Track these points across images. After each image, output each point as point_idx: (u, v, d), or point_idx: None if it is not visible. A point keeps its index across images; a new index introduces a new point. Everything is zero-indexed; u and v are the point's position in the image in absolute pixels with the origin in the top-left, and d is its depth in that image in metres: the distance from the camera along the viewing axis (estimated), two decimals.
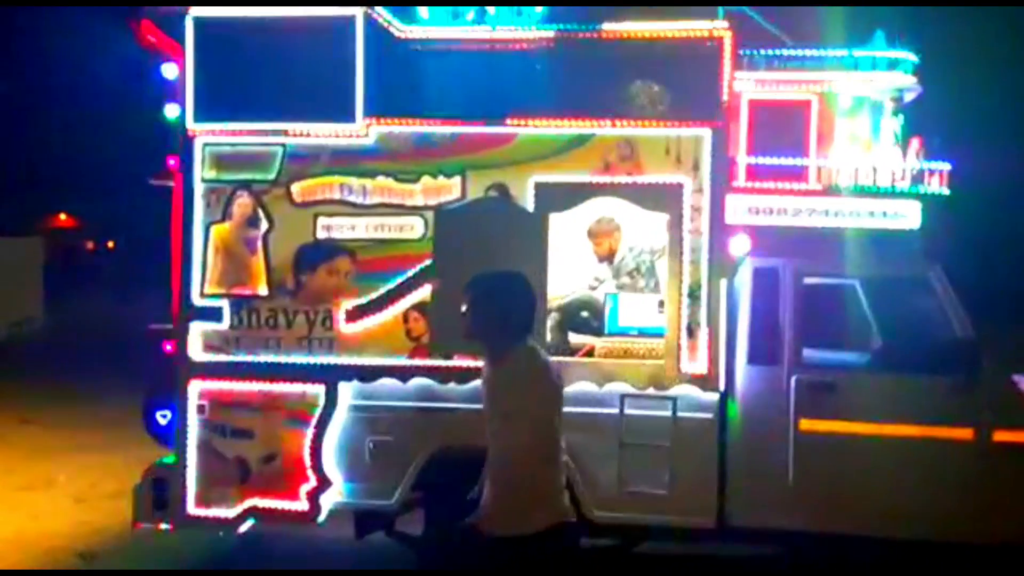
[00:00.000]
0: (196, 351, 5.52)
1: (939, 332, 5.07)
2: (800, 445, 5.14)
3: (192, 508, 5.51)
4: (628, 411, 5.20)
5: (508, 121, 5.31)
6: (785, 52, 5.36)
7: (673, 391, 5.17)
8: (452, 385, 5.34)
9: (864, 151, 5.39)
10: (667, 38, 5.17)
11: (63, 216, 40.58)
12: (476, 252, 5.28)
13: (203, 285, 5.51)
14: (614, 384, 5.24)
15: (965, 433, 5.00)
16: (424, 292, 5.36)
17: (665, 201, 5.22)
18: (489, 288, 3.56)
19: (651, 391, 5.20)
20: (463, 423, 5.33)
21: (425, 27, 5.39)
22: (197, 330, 5.51)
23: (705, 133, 5.17)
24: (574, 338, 6.03)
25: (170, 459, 5.62)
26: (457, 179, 5.37)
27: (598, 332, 5.98)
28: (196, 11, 5.49)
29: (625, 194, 5.28)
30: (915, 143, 5.32)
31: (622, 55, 5.22)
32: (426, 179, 5.39)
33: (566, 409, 5.20)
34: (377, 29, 5.37)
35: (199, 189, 5.52)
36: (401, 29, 5.38)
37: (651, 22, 5.16)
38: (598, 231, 6.22)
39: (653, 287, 6.11)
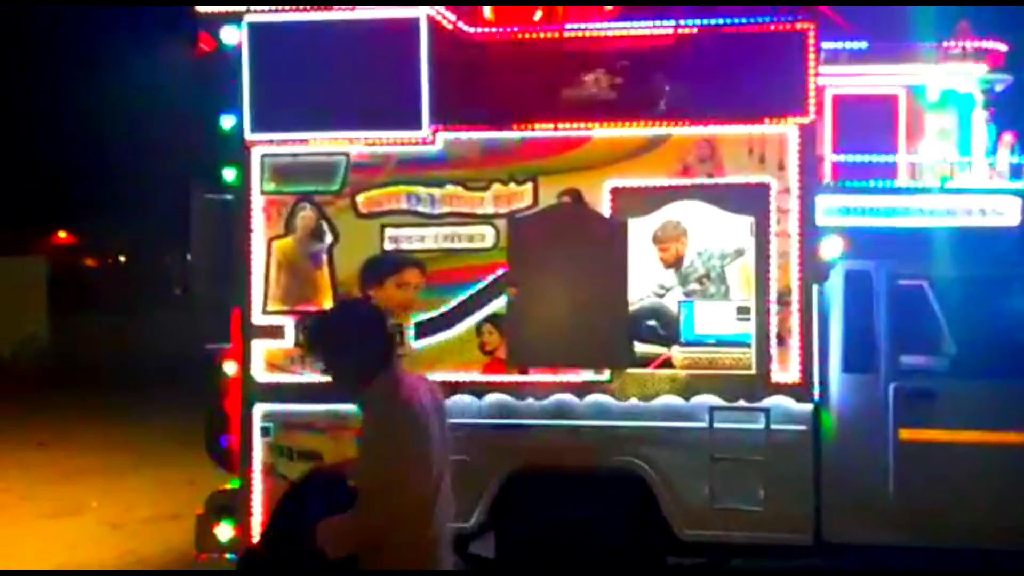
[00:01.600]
0: (259, 371, 5.41)
1: None
2: (900, 456, 5.02)
3: (259, 535, 5.39)
4: (718, 424, 5.09)
5: (581, 123, 5.22)
6: (869, 45, 5.24)
7: (765, 402, 5.06)
8: (530, 401, 5.23)
9: (954, 146, 5.27)
10: (748, 33, 5.07)
11: (62, 234, 40.57)
12: (553, 261, 5.22)
13: (265, 302, 5.41)
14: (701, 396, 5.13)
15: None
16: (497, 304, 5.25)
17: (750, 203, 5.12)
18: (330, 324, 3.32)
19: (741, 403, 5.09)
20: (543, 440, 5.24)
21: (491, 29, 5.31)
22: (259, 349, 5.41)
23: (791, 130, 5.07)
24: (641, 348, 5.91)
25: (233, 484, 5.51)
26: (529, 185, 5.27)
27: (669, 341, 5.86)
28: (252, 16, 5.41)
29: (706, 197, 5.17)
30: (1008, 137, 5.21)
31: (700, 51, 5.13)
32: (496, 186, 5.29)
33: (650, 424, 5.09)
34: (442, 31, 5.28)
35: (258, 202, 5.43)
36: (467, 31, 5.29)
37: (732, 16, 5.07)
38: (664, 236, 6.08)
39: (724, 293, 5.96)
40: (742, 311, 5.43)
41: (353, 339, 3.18)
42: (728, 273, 5.97)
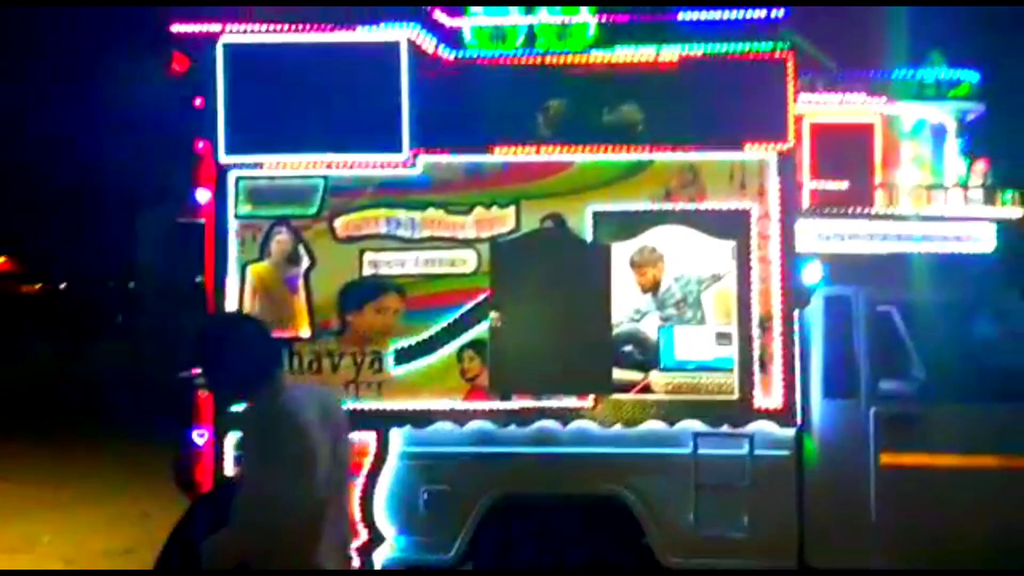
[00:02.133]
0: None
1: (1020, 359, 5.07)
2: (881, 480, 5.08)
3: None
4: (702, 450, 5.10)
5: (563, 148, 5.24)
6: (845, 74, 5.36)
7: (748, 428, 5.09)
8: (512, 428, 5.20)
9: (928, 174, 5.40)
10: (728, 61, 5.15)
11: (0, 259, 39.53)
12: (536, 286, 5.21)
13: None
14: (685, 422, 5.14)
15: None
16: (479, 330, 5.22)
17: (731, 228, 5.18)
18: (208, 337, 3.28)
19: (725, 428, 5.11)
20: (526, 468, 5.20)
21: (472, 52, 5.31)
22: None
23: (771, 157, 5.15)
24: (622, 374, 5.92)
25: None
26: (511, 209, 5.26)
27: (647, 367, 5.88)
28: (227, 37, 5.34)
29: (689, 222, 5.22)
30: (980, 164, 5.35)
31: (681, 78, 5.19)
32: (478, 210, 5.27)
33: (634, 450, 5.13)
34: (422, 54, 5.27)
35: (233, 226, 5.34)
36: (447, 54, 5.29)
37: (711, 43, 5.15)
38: (642, 261, 6.12)
39: (700, 319, 6.00)
40: (723, 336, 5.48)
41: (232, 352, 3.15)
42: (709, 298, 6.04)
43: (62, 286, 42.09)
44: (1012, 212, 5.18)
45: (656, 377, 5.62)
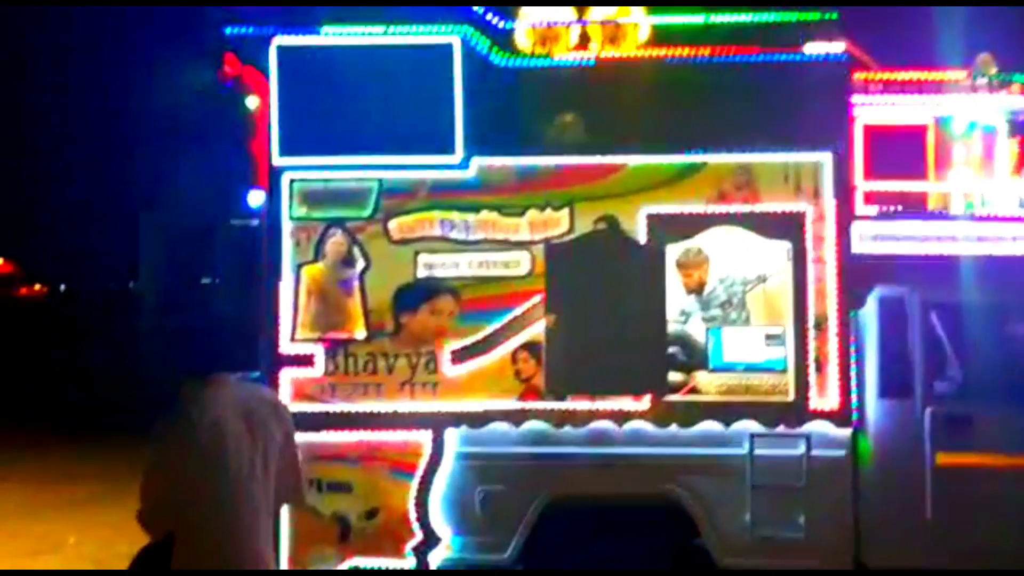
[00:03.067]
0: (287, 400, 5.33)
1: None
2: (937, 480, 5.14)
3: None
4: (758, 451, 5.16)
5: (617, 150, 5.29)
6: (900, 76, 5.42)
7: (805, 428, 5.15)
8: (568, 428, 5.26)
9: (979, 175, 5.46)
10: (785, 63, 5.21)
11: None
12: (591, 287, 5.27)
13: (294, 330, 5.36)
14: (741, 423, 5.20)
15: None
16: (533, 331, 5.28)
17: (787, 230, 5.24)
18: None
19: (781, 429, 5.17)
20: (581, 469, 5.26)
21: (525, 54, 5.37)
22: (288, 378, 5.36)
23: (826, 158, 5.21)
24: (675, 375, 5.94)
25: None
26: (565, 212, 5.32)
27: (691, 368, 5.93)
28: (281, 39, 5.41)
29: (743, 224, 5.28)
30: None
31: (737, 80, 5.25)
32: (532, 212, 5.33)
33: (690, 451, 5.21)
34: (476, 56, 5.33)
35: (287, 228, 5.40)
36: (500, 56, 5.35)
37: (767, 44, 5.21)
38: (687, 262, 6.17)
39: (745, 320, 6.07)
40: (772, 338, 5.54)
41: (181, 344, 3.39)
42: (759, 299, 6.11)
43: (62, 288, 42.17)
44: None
45: (705, 378, 5.69)
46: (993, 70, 5.47)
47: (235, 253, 5.64)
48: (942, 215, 5.33)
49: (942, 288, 5.27)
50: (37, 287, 42.04)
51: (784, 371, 5.42)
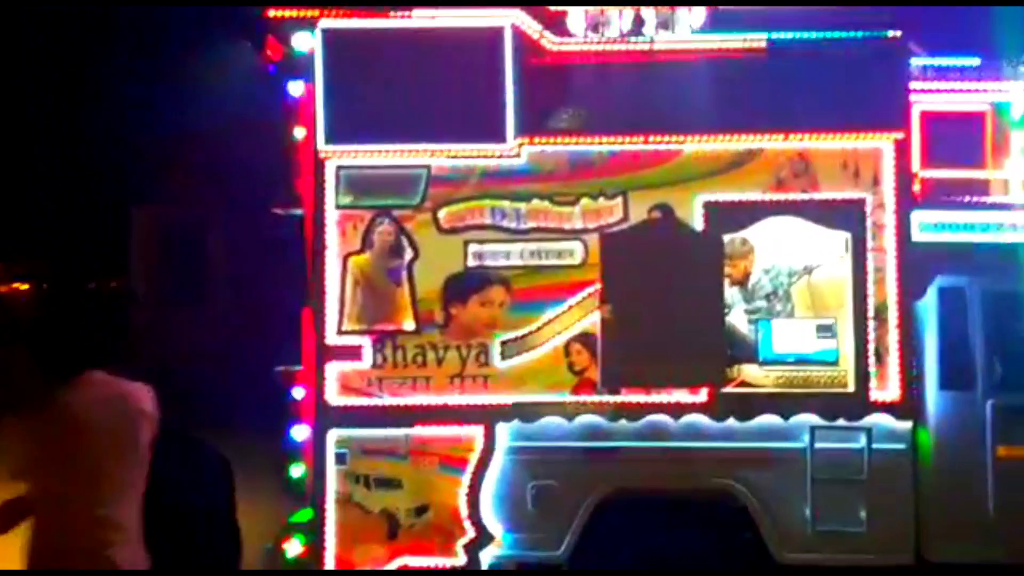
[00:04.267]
0: (333, 395, 5.23)
1: None
2: (999, 473, 5.07)
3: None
4: (818, 444, 5.08)
5: (672, 137, 5.20)
6: (958, 62, 5.35)
7: (865, 421, 5.07)
8: (623, 422, 5.16)
9: None
10: (843, 47, 5.13)
11: None
12: (646, 277, 5.17)
13: (340, 322, 5.24)
14: (800, 416, 5.12)
15: None
16: (586, 323, 5.18)
17: (846, 219, 5.16)
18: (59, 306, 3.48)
19: (841, 422, 5.09)
20: (636, 464, 5.16)
21: (577, 40, 5.26)
22: (334, 371, 5.23)
23: (886, 145, 5.13)
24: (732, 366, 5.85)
25: (304, 515, 5.30)
26: (618, 200, 5.22)
27: (740, 360, 5.83)
28: (326, 22, 5.27)
29: (802, 212, 5.19)
30: None
31: (794, 64, 5.15)
32: (585, 201, 5.23)
33: (748, 444, 5.11)
34: (527, 41, 5.22)
35: (333, 217, 5.27)
36: (552, 41, 5.24)
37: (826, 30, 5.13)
38: (733, 253, 6.09)
39: (789, 311, 5.97)
40: (824, 329, 5.46)
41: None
42: (794, 291, 6.02)
43: (44, 285, 41.62)
44: None
45: (754, 371, 5.60)
46: None
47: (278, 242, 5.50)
48: (1002, 204, 5.26)
49: (1002, 277, 5.20)
50: (24, 285, 41.49)
51: (835, 363, 5.36)
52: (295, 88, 5.35)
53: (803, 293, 6.02)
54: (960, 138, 5.38)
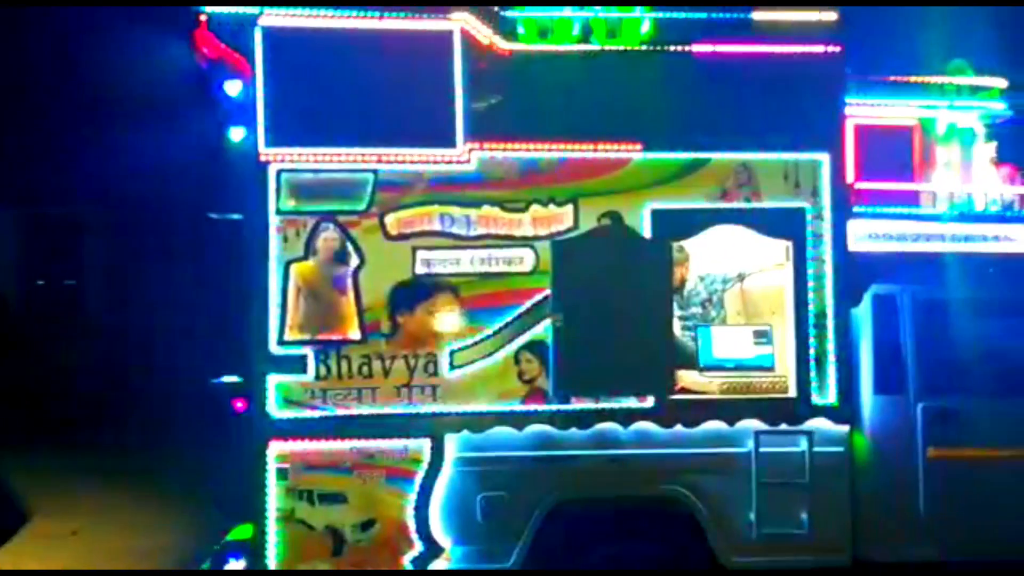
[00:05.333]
0: (275, 407, 5.04)
1: None
2: (929, 474, 5.30)
3: None
4: (763, 449, 5.19)
5: (620, 145, 5.23)
6: (888, 79, 5.58)
7: (807, 425, 5.22)
8: (573, 430, 5.15)
9: (959, 176, 5.67)
10: (783, 62, 5.27)
11: None
12: (597, 285, 5.18)
13: (282, 331, 5.05)
14: (745, 421, 5.22)
15: None
16: (536, 330, 5.15)
17: (787, 227, 5.30)
18: None
19: (784, 427, 5.22)
20: (586, 473, 5.17)
21: (528, 44, 5.23)
22: (275, 383, 5.04)
23: (824, 158, 5.30)
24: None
25: (244, 532, 5.09)
26: (569, 207, 5.22)
27: (681, 366, 5.89)
28: (267, 19, 5.08)
29: (745, 220, 5.30)
30: (1004, 170, 5.67)
31: (735, 77, 5.27)
32: (535, 207, 5.20)
33: (695, 451, 5.18)
34: (476, 45, 5.16)
35: (274, 222, 5.08)
36: (502, 48, 5.19)
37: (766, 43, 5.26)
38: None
39: (723, 319, 6.15)
40: (765, 335, 5.63)
41: None
42: (727, 298, 6.19)
43: None
44: None
45: (695, 377, 5.69)
46: (968, 75, 5.69)
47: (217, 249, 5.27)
48: (929, 215, 5.50)
49: (931, 286, 5.45)
50: None
51: (773, 368, 5.52)
52: (232, 88, 5.14)
53: (739, 300, 6.22)
54: (891, 152, 5.61)
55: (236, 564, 5.01)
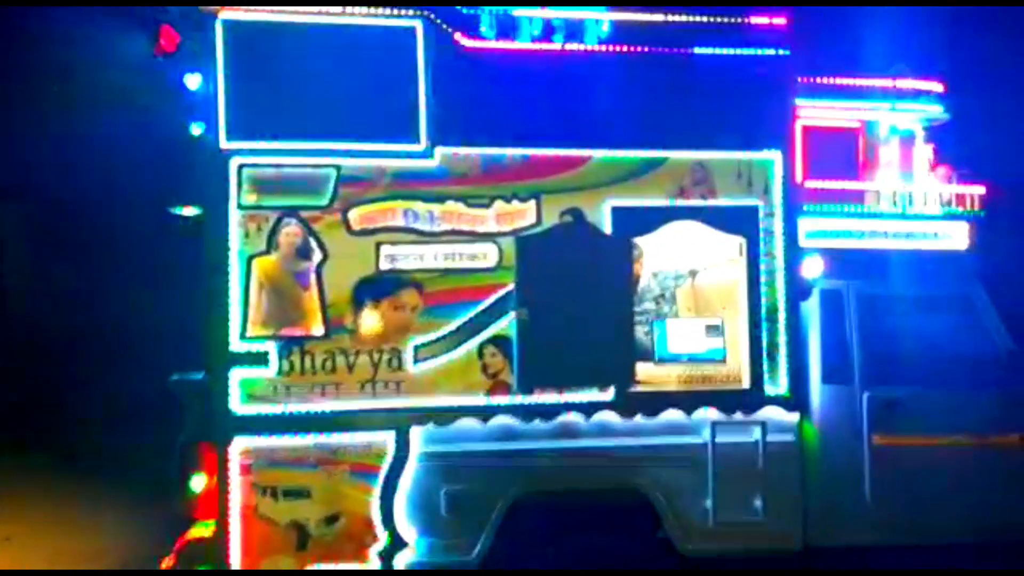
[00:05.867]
0: (237, 403, 5.01)
1: (983, 346, 5.68)
2: (875, 460, 5.54)
3: None
4: (719, 439, 5.36)
5: (581, 143, 5.33)
6: (835, 81, 5.80)
7: (760, 415, 5.40)
8: (536, 423, 5.24)
9: (900, 176, 5.92)
10: (736, 63, 5.44)
11: None
12: (561, 280, 5.28)
13: (244, 327, 5.02)
14: (702, 412, 5.38)
15: (1012, 440, 5.63)
16: (500, 325, 5.22)
17: (741, 224, 5.48)
18: None
19: (739, 416, 5.39)
20: (548, 465, 5.26)
21: (491, 41, 5.29)
22: (237, 379, 5.01)
23: (776, 157, 5.49)
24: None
25: (204, 529, 5.04)
26: (532, 203, 5.30)
27: (639, 359, 6.01)
28: (227, 13, 5.04)
29: (701, 217, 5.46)
30: (941, 170, 5.94)
31: (691, 78, 5.42)
32: (499, 203, 5.28)
33: (653, 441, 5.33)
34: (440, 41, 5.21)
35: (235, 217, 5.05)
36: (465, 42, 5.25)
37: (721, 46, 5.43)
38: None
39: (675, 314, 6.31)
40: (716, 328, 5.80)
41: None
42: (679, 294, 6.36)
43: None
44: (976, 212, 5.78)
45: (650, 369, 5.82)
46: (907, 80, 5.96)
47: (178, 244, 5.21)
48: (873, 213, 5.73)
49: (875, 281, 5.69)
50: None
51: (724, 360, 5.69)
52: (192, 81, 5.08)
53: (690, 295, 6.39)
54: (837, 152, 5.83)
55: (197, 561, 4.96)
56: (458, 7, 5.25)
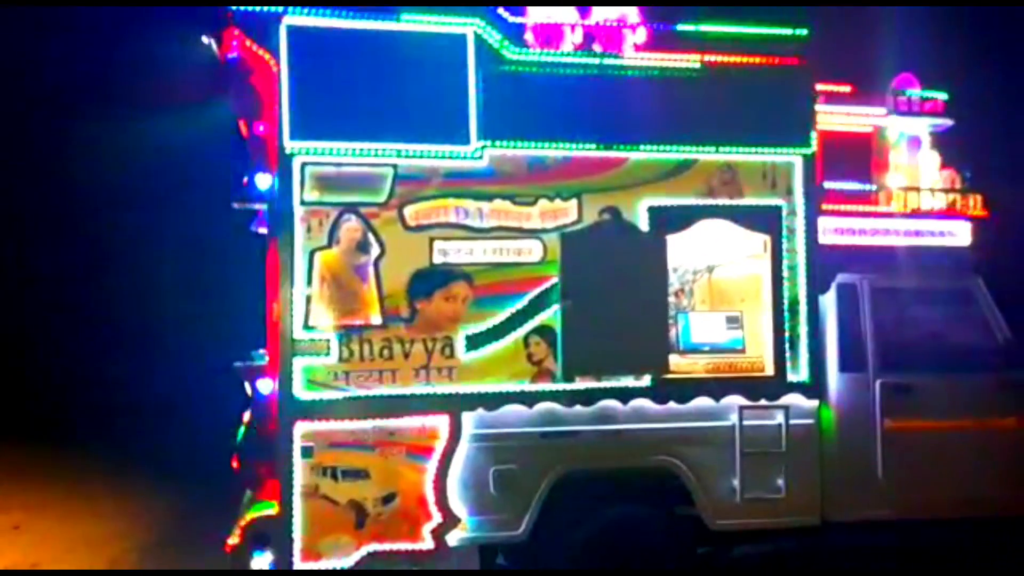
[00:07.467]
0: (300, 389, 5.31)
1: (983, 336, 6.17)
2: (886, 443, 5.99)
3: (300, 562, 5.29)
4: (745, 422, 5.77)
5: (619, 145, 5.70)
6: (850, 89, 6.23)
7: (783, 400, 5.82)
8: (577, 408, 5.61)
9: (907, 179, 6.38)
10: (763, 70, 5.84)
11: None
12: (600, 274, 5.65)
13: (307, 317, 5.33)
14: (730, 398, 5.79)
15: (1009, 423, 6.12)
16: (544, 316, 5.58)
17: (765, 223, 5.89)
18: None
19: (764, 402, 5.81)
20: (586, 446, 5.63)
21: (534, 50, 5.63)
22: (300, 366, 5.32)
23: (797, 159, 5.91)
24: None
25: (266, 508, 5.34)
26: (573, 202, 5.67)
27: (685, 349, 6.33)
28: (291, 19, 5.34)
29: (730, 216, 5.86)
30: (946, 174, 6.41)
31: (720, 83, 5.81)
32: (543, 202, 5.63)
33: (684, 424, 5.69)
34: (488, 49, 5.55)
35: (299, 213, 5.35)
36: (511, 50, 5.59)
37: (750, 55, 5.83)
38: None
39: (694, 307, 6.74)
40: (731, 320, 6.25)
41: None
42: (696, 289, 6.80)
43: None
44: (980, 212, 6.26)
45: (681, 359, 6.20)
46: (915, 88, 6.41)
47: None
48: (885, 212, 6.18)
49: (886, 275, 6.14)
50: None
51: (743, 350, 6.12)
52: (257, 83, 5.36)
53: (710, 289, 6.83)
54: (852, 155, 6.25)
55: (260, 560, 5.25)
56: (505, 17, 5.59)
